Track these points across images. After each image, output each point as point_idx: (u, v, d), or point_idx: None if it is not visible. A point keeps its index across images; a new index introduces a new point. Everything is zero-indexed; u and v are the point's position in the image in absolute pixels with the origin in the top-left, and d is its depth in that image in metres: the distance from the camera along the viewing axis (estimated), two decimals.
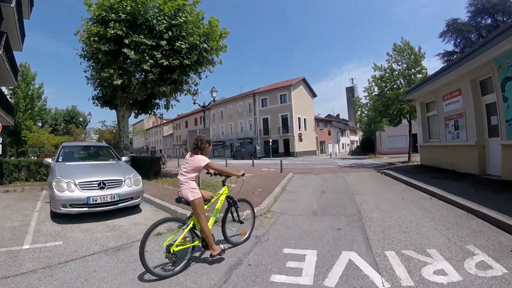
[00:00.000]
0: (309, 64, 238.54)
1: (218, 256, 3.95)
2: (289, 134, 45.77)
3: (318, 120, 56.94)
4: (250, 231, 5.01)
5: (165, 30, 11.83)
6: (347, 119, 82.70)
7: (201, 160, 3.99)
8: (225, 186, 4.53)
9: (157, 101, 16.12)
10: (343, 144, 70.75)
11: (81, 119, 57.34)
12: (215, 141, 61.14)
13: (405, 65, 20.55)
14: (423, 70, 20.21)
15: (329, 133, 62.46)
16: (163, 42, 11.73)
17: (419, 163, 16.95)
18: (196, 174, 4.05)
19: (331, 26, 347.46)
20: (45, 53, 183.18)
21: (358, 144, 68.08)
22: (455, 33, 36.85)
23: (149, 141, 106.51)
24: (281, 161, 17.71)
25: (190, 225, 3.85)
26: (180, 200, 3.96)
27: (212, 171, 4.26)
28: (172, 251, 3.59)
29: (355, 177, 13.02)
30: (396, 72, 20.78)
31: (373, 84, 22.57)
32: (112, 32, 11.19)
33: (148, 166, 14.67)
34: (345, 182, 11.62)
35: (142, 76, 12.39)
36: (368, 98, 31.89)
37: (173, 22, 11.95)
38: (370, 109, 30.79)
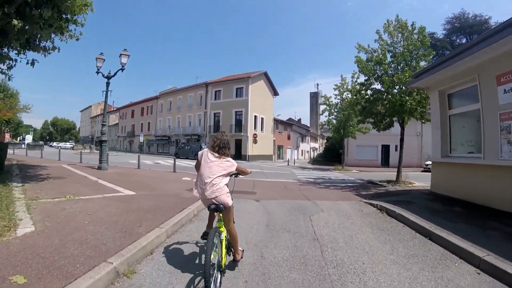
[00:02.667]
0: (274, 66, 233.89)
1: (241, 259, 3.78)
2: (242, 134, 38.93)
3: (277, 121, 50.54)
4: None
5: None
6: (309, 125, 77.94)
7: (234, 163, 3.65)
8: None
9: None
10: (302, 150, 65.17)
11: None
12: (160, 136, 53.54)
13: (401, 49, 14.30)
14: (428, 57, 14.10)
15: (289, 138, 56.40)
16: None
17: (420, 187, 11.19)
18: (228, 178, 3.64)
19: (303, 32, 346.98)
20: None
21: (320, 152, 63.08)
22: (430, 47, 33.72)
23: (94, 130, 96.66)
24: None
25: (224, 233, 3.41)
26: (217, 208, 3.34)
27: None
28: (223, 266, 3.24)
29: (334, 219, 6.39)
30: (391, 54, 14.52)
31: (356, 72, 16.30)
32: None
33: None
34: (316, 238, 4.99)
35: None
36: (339, 97, 26.21)
37: None
38: (343, 109, 25.05)
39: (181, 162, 23.02)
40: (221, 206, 3.33)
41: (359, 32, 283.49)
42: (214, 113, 43.21)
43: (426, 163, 27.10)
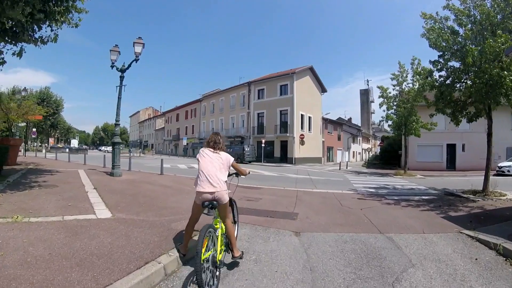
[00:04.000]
0: (319, 66, 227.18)
1: (239, 259, 3.74)
2: (288, 134, 35.73)
3: (326, 121, 46.50)
4: (237, 231, 4.59)
5: None
6: (359, 125, 72.96)
7: (229, 156, 3.75)
8: None
9: None
10: (354, 152, 60.60)
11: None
12: (204, 138, 52.03)
13: (479, 16, 10.48)
14: None
15: (339, 138, 52.22)
16: None
17: None
18: (227, 172, 3.74)
19: (343, 31, 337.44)
20: None
21: (374, 153, 58.24)
22: None
23: (142, 134, 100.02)
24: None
25: (220, 229, 3.43)
26: (211, 205, 3.33)
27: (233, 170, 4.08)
28: (218, 262, 3.15)
29: None
30: (470, 19, 10.72)
31: (416, 58, 12.66)
32: None
33: None
34: None
35: None
36: (397, 88, 22.41)
37: None
38: (404, 101, 21.27)
39: None
40: (215, 203, 3.33)
41: (404, 27, 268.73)
42: (258, 113, 40.55)
43: (499, 165, 22.32)
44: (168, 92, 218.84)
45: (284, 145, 36.71)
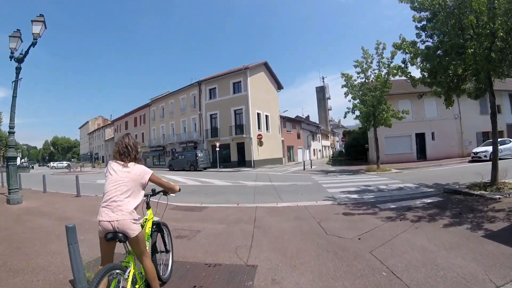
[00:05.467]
0: (273, 68, 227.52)
1: None
2: (244, 135, 32.47)
3: (284, 119, 44.01)
4: (171, 261, 3.58)
5: None
6: (318, 122, 71.68)
7: (144, 170, 2.70)
8: (150, 208, 3.15)
9: None
10: (314, 149, 58.67)
11: None
12: (155, 146, 47.68)
13: None
14: None
15: (299, 136, 49.89)
16: None
17: None
18: (142, 193, 2.68)
19: (295, 33, 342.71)
20: None
21: (334, 149, 56.96)
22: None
23: (93, 146, 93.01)
24: None
25: (133, 270, 2.45)
26: (115, 236, 2.37)
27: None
28: None
29: None
30: None
31: (381, 43, 10.18)
32: None
33: None
34: None
35: None
36: (362, 76, 20.01)
37: None
38: (371, 89, 18.87)
39: (172, 177, 19.22)
40: (121, 235, 2.37)
41: (355, 28, 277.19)
42: (211, 115, 36.83)
43: (474, 150, 20.75)
44: (118, 99, 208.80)
45: (241, 148, 33.41)
